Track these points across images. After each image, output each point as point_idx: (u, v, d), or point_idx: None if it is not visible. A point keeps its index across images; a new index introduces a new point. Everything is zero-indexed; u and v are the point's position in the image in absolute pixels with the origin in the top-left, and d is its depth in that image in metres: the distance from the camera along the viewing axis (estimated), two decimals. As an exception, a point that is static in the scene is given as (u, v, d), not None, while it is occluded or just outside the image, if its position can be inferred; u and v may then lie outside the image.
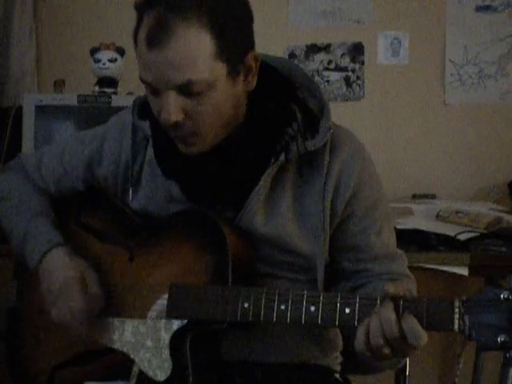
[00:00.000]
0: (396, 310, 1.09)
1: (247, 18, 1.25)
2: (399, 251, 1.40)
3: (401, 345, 1.09)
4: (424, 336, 1.07)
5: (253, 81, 1.27)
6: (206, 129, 1.24)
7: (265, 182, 1.30)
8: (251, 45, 1.26)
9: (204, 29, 1.17)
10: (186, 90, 1.20)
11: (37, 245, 1.40)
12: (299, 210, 1.32)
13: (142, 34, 1.20)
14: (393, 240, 1.39)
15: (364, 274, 1.36)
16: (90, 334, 1.35)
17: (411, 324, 1.07)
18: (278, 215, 1.31)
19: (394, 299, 1.09)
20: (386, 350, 1.10)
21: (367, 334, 1.11)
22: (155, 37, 1.17)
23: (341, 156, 1.32)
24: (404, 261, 1.40)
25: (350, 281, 1.37)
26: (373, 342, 1.10)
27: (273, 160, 1.29)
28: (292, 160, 1.30)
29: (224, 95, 1.22)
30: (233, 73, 1.22)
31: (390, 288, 1.10)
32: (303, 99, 1.33)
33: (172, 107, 1.21)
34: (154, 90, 1.23)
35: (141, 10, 1.22)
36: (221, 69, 1.20)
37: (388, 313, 1.09)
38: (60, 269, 1.36)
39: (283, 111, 1.30)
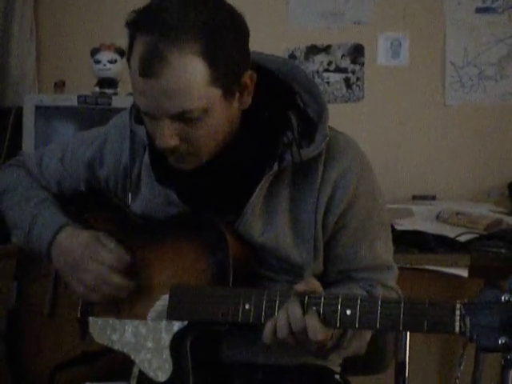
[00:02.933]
0: (301, 305, 1.14)
1: (242, 37, 1.22)
2: (390, 263, 1.38)
3: (303, 337, 1.14)
4: (319, 331, 1.12)
5: (248, 99, 1.26)
6: (202, 149, 1.24)
7: (260, 192, 1.29)
8: (247, 65, 1.23)
9: (197, 56, 1.15)
10: (180, 117, 1.19)
11: (44, 229, 1.40)
12: (295, 220, 1.31)
13: (135, 62, 1.18)
14: (386, 250, 1.37)
15: (346, 279, 1.35)
16: (129, 285, 1.33)
17: (311, 320, 1.13)
18: (274, 225, 1.30)
19: (301, 296, 1.15)
20: (290, 341, 1.16)
21: (275, 326, 1.16)
22: (148, 66, 1.15)
23: (338, 166, 1.30)
24: (392, 273, 1.38)
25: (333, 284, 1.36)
26: (279, 333, 1.15)
27: (267, 170, 1.28)
28: (287, 169, 1.30)
29: (219, 118, 1.22)
30: (228, 95, 1.21)
31: (299, 287, 1.16)
32: (301, 105, 1.31)
33: (167, 134, 1.20)
34: (148, 114, 1.22)
35: (134, 31, 1.19)
36: (216, 94, 1.19)
37: (294, 308, 1.14)
38: (74, 240, 1.37)
39: (278, 119, 1.29)
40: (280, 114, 1.29)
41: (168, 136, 1.20)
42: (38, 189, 1.50)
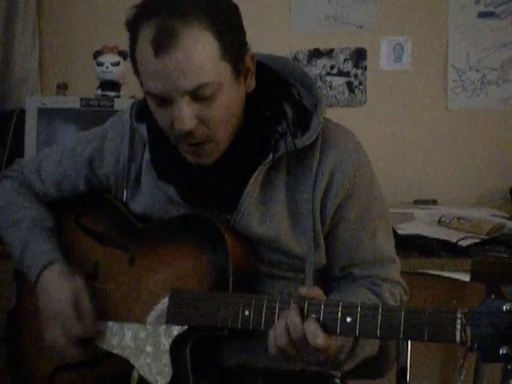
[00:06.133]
0: (301, 312, 1.13)
1: (240, 19, 1.25)
2: (393, 256, 1.38)
3: (304, 345, 1.13)
4: (320, 336, 1.11)
5: (252, 81, 1.28)
6: (220, 133, 1.24)
7: (255, 182, 1.29)
8: (247, 45, 1.26)
9: (206, 30, 1.18)
10: (197, 94, 1.19)
11: (32, 263, 1.41)
12: (293, 209, 1.31)
13: (146, 45, 1.18)
14: (387, 242, 1.37)
15: (349, 277, 1.35)
16: (80, 355, 1.36)
17: (310, 326, 1.12)
18: (272, 215, 1.30)
19: (301, 301, 1.14)
20: (291, 350, 1.14)
21: (276, 335, 1.15)
22: (161, 43, 1.16)
23: (334, 154, 1.30)
24: (394, 265, 1.38)
25: (336, 285, 1.36)
26: (278, 341, 1.14)
27: (262, 160, 1.28)
28: (283, 159, 1.30)
29: (232, 97, 1.23)
30: (236, 73, 1.23)
31: (302, 291, 1.15)
32: (297, 96, 1.32)
33: (186, 115, 1.20)
34: (163, 101, 1.22)
35: (136, 23, 1.21)
36: (226, 70, 1.21)
37: (293, 315, 1.13)
38: (53, 291, 1.37)
39: (274, 110, 1.30)
40: (276, 105, 1.30)
41: (187, 117, 1.20)
42: (31, 208, 1.50)
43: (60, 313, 1.35)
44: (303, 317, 1.13)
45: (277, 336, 1.14)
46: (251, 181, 1.28)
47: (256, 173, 1.28)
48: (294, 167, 1.31)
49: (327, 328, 1.12)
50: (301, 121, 1.30)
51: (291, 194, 1.31)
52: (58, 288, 1.37)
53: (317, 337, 1.11)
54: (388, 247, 1.37)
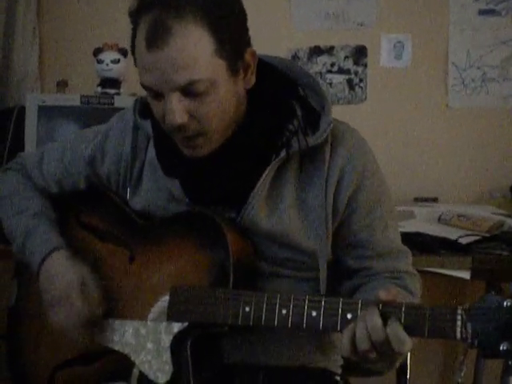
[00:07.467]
0: (381, 315, 1.10)
1: (241, 15, 1.25)
2: (404, 247, 1.39)
3: (386, 349, 1.10)
4: (408, 342, 1.08)
5: (252, 78, 1.27)
6: (212, 128, 1.24)
7: (266, 178, 1.29)
8: (248, 42, 1.26)
9: (201, 26, 1.18)
10: (189, 90, 1.20)
11: (37, 247, 1.41)
12: (302, 205, 1.32)
13: (141, 38, 1.20)
14: (397, 236, 1.39)
15: (366, 272, 1.35)
16: (88, 338, 1.36)
17: (395, 330, 1.08)
18: (280, 211, 1.31)
19: (380, 305, 1.10)
20: (372, 354, 1.11)
21: (353, 338, 1.11)
22: (154, 38, 1.17)
23: (343, 151, 1.32)
24: (408, 257, 1.39)
25: (352, 280, 1.36)
26: (359, 346, 1.11)
27: (274, 157, 1.29)
28: (294, 156, 1.30)
29: (226, 93, 1.23)
30: (233, 70, 1.23)
31: (382, 295, 1.11)
32: (304, 96, 1.33)
33: (176, 110, 1.20)
34: (156, 94, 1.22)
35: (136, 16, 1.22)
36: (221, 66, 1.21)
37: (374, 318, 1.09)
38: (60, 273, 1.37)
39: (283, 108, 1.30)
40: (284, 103, 1.31)
41: (178, 112, 1.20)
42: (34, 198, 1.50)
43: (67, 295, 1.35)
44: (384, 319, 1.09)
45: (357, 339, 1.10)
46: (263, 177, 1.29)
47: (268, 169, 1.29)
48: (305, 165, 1.32)
49: (410, 330, 1.08)
50: (310, 120, 1.31)
51: (301, 190, 1.32)
52: (63, 271, 1.37)
53: (405, 343, 1.07)
54: (399, 241, 1.39)
